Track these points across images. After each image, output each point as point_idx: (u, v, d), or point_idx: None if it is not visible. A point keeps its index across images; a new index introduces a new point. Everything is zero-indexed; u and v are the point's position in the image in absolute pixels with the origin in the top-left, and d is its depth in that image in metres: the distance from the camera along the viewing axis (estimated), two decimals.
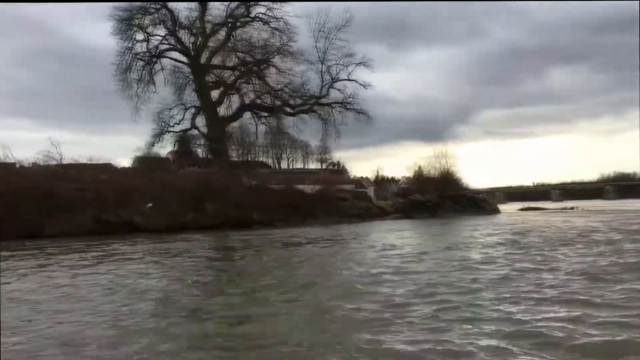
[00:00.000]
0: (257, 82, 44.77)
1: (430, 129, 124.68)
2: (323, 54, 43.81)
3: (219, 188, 40.63)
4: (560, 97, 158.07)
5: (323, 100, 44.59)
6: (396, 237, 25.61)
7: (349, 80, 43.88)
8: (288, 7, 41.95)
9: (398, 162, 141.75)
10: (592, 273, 11.55)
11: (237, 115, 45.15)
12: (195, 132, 45.51)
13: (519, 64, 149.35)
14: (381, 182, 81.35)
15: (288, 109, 44.95)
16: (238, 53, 43.67)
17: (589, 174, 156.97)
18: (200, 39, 43.62)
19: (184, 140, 48.59)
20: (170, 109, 44.45)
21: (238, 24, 42.90)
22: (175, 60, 44.21)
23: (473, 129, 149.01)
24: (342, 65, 43.75)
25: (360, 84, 43.63)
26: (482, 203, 51.72)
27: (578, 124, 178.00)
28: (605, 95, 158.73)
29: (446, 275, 12.05)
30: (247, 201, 39.72)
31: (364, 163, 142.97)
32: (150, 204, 36.46)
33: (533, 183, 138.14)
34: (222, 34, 43.67)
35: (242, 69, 44.27)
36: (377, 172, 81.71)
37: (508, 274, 11.94)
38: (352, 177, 69.62)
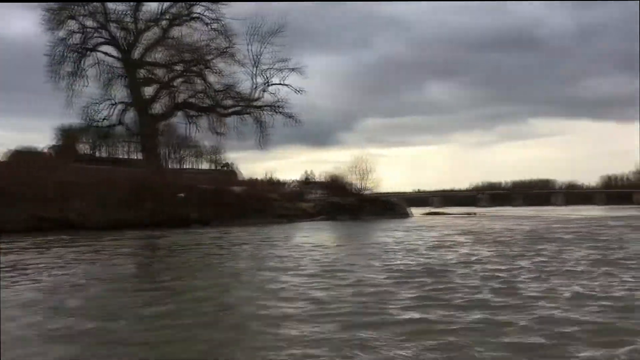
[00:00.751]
0: (192, 82, 44.80)
1: (316, 134, 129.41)
2: (257, 57, 44.72)
3: (157, 186, 40.59)
4: (437, 109, 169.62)
5: (256, 103, 45.49)
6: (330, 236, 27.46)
7: (282, 84, 45.09)
8: (225, 9, 42.55)
9: (287, 165, 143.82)
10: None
11: (169, 113, 44.88)
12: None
13: (400, 75, 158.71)
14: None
15: (221, 110, 45.35)
16: (173, 51, 43.41)
17: (462, 182, 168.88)
18: (133, 34, 42.96)
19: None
20: (98, 103, 43.39)
21: (176, 21, 42.76)
22: (106, 54, 43.27)
23: (355, 136, 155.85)
24: (277, 69, 44.90)
25: (293, 89, 45.06)
26: (395, 207, 55.10)
27: (453, 135, 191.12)
28: (477, 109, 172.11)
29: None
30: (184, 199, 39.90)
31: (251, 164, 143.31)
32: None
33: (413, 190, 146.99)
34: (157, 31, 43.31)
35: (178, 68, 44.17)
36: (267, 175, 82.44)
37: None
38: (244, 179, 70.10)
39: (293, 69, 44.55)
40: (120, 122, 44.82)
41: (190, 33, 43.23)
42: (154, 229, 34.72)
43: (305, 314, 8.39)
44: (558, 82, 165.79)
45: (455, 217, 55.64)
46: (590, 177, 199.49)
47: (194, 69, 43.97)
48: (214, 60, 43.54)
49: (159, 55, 43.91)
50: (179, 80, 44.64)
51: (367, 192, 54.53)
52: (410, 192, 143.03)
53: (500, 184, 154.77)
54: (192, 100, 45.30)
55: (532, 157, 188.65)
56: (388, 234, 28.89)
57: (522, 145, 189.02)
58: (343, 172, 54.41)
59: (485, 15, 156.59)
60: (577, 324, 7.50)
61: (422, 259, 15.83)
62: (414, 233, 29.28)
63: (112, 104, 43.78)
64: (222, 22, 42.37)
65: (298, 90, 44.91)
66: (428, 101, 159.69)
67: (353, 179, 54.43)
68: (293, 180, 54.97)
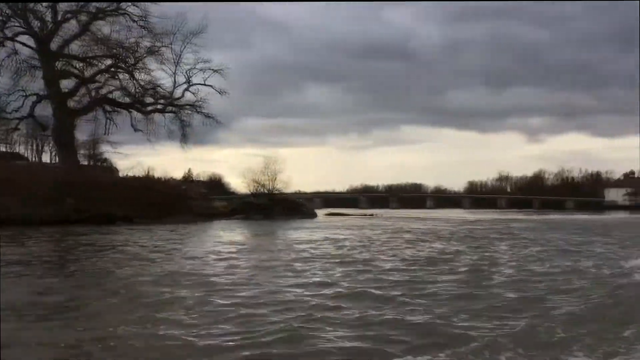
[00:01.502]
0: (116, 78, 44.10)
1: (195, 133, 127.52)
2: (178, 57, 44.92)
3: (80, 182, 39.85)
4: (316, 112, 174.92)
5: (178, 102, 45.61)
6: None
7: (205, 85, 45.64)
8: (153, 7, 42.44)
9: (164, 162, 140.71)
10: None
11: (87, 108, 43.77)
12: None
13: (280, 77, 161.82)
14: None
15: (141, 107, 45.02)
16: (96, 45, 42.50)
17: (340, 184, 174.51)
18: (50, 25, 41.60)
19: None
20: (8, 94, 41.49)
21: (100, 15, 41.93)
22: (23, 44, 41.50)
23: (234, 135, 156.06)
24: (199, 69, 45.36)
25: (217, 90, 45.72)
26: (303, 208, 57.56)
27: (330, 139, 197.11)
28: (354, 114, 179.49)
29: None
30: (107, 196, 39.43)
31: (126, 160, 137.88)
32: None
33: (293, 191, 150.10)
34: (77, 24, 42.20)
35: (101, 63, 43.32)
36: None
37: None
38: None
39: (215, 70, 45.27)
40: (31, 115, 43.04)
41: (114, 29, 42.52)
42: (78, 226, 34.41)
43: None
44: (427, 93, 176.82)
45: (357, 217, 59.06)
46: (454, 183, 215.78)
47: (122, 65, 43.30)
48: (139, 58, 43.17)
49: (80, 48, 42.77)
50: (105, 75, 43.69)
51: (276, 192, 56.12)
52: (289, 193, 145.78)
53: (376, 187, 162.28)
54: (112, 96, 44.58)
55: (403, 162, 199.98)
56: (331, 231, 31.20)
57: (395, 151, 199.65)
58: (255, 172, 55.69)
59: (362, 24, 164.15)
60: None
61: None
62: (360, 231, 31.83)
63: (24, 96, 41.99)
64: (148, 20, 42.13)
65: (220, 92, 45.69)
66: (307, 104, 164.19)
67: (264, 180, 55.97)
68: (171, 178, 54.43)
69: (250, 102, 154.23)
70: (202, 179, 76.05)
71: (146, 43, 43.36)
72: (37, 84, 41.83)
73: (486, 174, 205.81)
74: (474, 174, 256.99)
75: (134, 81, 44.01)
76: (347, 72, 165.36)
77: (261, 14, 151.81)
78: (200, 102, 45.72)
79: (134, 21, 41.73)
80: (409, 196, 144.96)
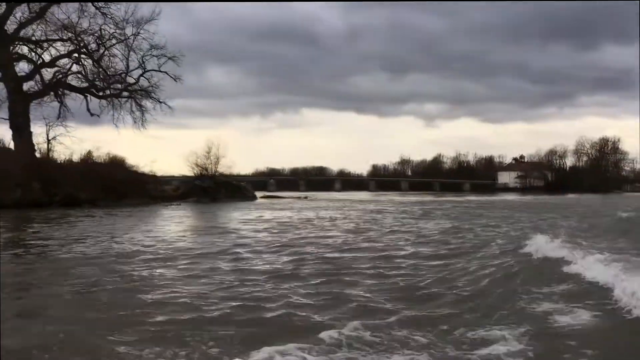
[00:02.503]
0: (79, 63, 44.29)
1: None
2: (131, 42, 45.51)
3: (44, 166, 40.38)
4: (218, 94, 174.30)
5: (132, 88, 46.40)
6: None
7: (159, 71, 46.54)
8: None
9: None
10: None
11: (42, 92, 43.60)
12: None
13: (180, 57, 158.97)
14: None
15: (96, 92, 45.47)
16: (54, 30, 42.46)
17: (245, 167, 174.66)
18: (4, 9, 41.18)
19: None
20: None
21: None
22: None
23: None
24: (153, 56, 46.14)
25: (172, 77, 46.79)
26: (244, 190, 60.09)
27: (232, 120, 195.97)
28: (257, 96, 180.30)
29: None
30: (71, 180, 40.14)
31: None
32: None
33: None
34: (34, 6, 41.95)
35: (59, 48, 43.36)
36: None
37: None
38: None
39: (170, 58, 46.36)
40: None
41: (68, 12, 42.51)
42: (47, 209, 35.26)
43: None
44: (329, 77, 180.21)
45: (295, 199, 62.28)
46: (358, 166, 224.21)
47: (81, 50, 43.50)
48: (99, 44, 43.59)
49: (38, 32, 42.55)
50: (62, 60, 43.73)
51: (218, 175, 58.13)
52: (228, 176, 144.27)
53: (282, 170, 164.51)
54: (67, 80, 44.67)
55: (307, 145, 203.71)
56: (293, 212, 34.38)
57: (299, 134, 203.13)
58: (199, 156, 57.48)
59: (267, 7, 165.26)
60: None
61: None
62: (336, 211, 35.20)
63: None
64: (109, 6, 42.67)
65: (175, 78, 46.87)
66: (208, 85, 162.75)
67: (207, 163, 57.87)
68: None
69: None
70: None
71: (104, 28, 43.79)
72: None
73: (387, 158, 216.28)
74: (376, 157, 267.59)
75: (93, 67, 44.37)
76: (248, 55, 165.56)
77: None
78: (152, 88, 46.70)
79: (97, 8, 42.13)
80: (317, 179, 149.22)
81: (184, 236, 19.58)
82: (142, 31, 45.09)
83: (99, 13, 43.09)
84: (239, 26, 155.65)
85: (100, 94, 45.85)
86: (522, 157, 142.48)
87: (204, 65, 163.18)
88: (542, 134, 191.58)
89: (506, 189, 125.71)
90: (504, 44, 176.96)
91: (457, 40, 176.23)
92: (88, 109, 45.56)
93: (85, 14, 42.95)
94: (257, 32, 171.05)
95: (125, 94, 46.44)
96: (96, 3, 42.85)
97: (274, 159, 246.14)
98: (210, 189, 54.43)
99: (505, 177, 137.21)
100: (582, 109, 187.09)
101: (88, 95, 45.54)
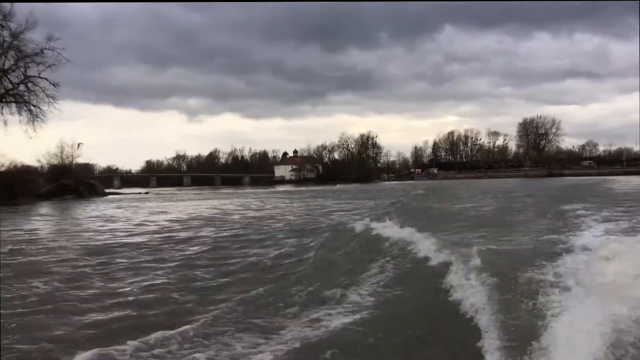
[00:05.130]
0: None
1: None
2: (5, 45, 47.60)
3: None
4: None
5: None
6: None
7: (40, 77, 49.12)
8: None
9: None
10: None
11: None
12: None
13: None
14: None
15: None
16: None
17: None
18: None
19: None
20: None
21: None
22: None
23: None
24: (33, 62, 48.22)
25: (52, 83, 48.99)
26: (96, 188, 65.43)
27: None
28: None
29: None
30: None
31: None
32: None
33: None
34: None
35: None
36: None
37: None
38: None
39: (50, 66, 48.19)
40: None
41: None
42: None
43: None
44: (83, 67, 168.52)
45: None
46: (127, 162, 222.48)
47: None
48: None
49: None
50: None
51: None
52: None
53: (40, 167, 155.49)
54: None
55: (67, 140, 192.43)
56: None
57: (47, 128, 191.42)
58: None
59: None
60: None
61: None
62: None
63: None
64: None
65: (54, 84, 49.79)
66: None
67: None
68: None
69: None
70: None
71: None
72: None
73: (151, 153, 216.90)
74: (142, 152, 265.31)
75: None
76: None
77: None
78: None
79: None
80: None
81: None
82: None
83: None
84: None
85: None
86: (295, 152, 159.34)
87: None
88: (300, 129, 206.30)
89: (283, 181, 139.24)
90: (260, 43, 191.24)
91: (216, 36, 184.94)
92: None
93: None
94: None
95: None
96: None
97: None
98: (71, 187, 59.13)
99: (281, 171, 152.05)
100: (331, 106, 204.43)
101: None
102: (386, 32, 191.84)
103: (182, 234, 18.46)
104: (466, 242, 11.25)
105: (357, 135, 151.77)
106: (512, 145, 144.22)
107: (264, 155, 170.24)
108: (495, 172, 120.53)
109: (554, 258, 7.99)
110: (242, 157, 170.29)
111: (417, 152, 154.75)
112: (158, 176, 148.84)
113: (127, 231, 20.21)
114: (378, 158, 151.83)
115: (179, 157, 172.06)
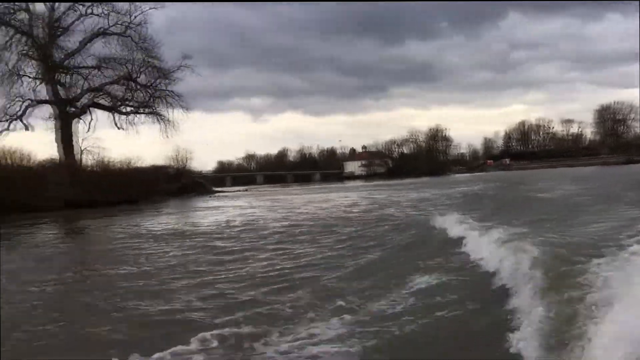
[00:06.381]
0: (127, 86, 51.93)
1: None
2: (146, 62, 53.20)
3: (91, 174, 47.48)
4: None
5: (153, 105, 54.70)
6: None
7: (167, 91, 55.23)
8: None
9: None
10: None
11: (81, 112, 50.47)
12: None
13: None
14: None
15: (123, 109, 53.34)
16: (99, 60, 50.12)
17: None
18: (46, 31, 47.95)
19: None
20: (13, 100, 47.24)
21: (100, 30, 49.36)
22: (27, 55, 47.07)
23: None
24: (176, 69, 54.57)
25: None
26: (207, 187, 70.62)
27: None
28: None
29: None
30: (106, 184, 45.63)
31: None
32: None
33: None
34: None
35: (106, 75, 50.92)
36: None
37: None
38: None
39: (189, 67, 55.11)
40: (20, 118, 48.50)
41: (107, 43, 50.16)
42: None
43: None
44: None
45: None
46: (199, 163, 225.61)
47: (123, 78, 50.85)
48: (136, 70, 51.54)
49: (87, 59, 49.80)
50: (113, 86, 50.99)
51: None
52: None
53: None
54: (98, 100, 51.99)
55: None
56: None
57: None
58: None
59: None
60: None
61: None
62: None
63: (22, 101, 47.73)
64: (142, 36, 50.83)
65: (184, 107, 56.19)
66: None
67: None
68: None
69: None
70: None
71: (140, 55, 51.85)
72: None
73: (220, 154, 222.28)
74: (208, 153, 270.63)
75: (132, 89, 52.33)
76: None
77: None
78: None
79: (134, 42, 50.23)
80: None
81: None
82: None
83: (140, 47, 51.25)
84: None
85: (124, 110, 53.71)
86: (364, 147, 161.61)
87: None
88: (362, 124, 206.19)
89: (353, 176, 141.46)
90: (317, 40, 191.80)
91: (273, 36, 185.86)
92: (115, 124, 53.31)
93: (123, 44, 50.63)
94: None
95: (147, 110, 54.48)
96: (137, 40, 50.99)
97: None
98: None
99: (351, 167, 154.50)
100: (394, 99, 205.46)
101: (115, 112, 53.21)
102: (446, 22, 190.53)
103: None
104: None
105: (424, 129, 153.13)
106: (587, 133, 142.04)
107: (331, 151, 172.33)
108: (572, 161, 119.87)
109: None
110: (310, 154, 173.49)
111: (487, 143, 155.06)
112: (232, 176, 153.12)
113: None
114: (448, 151, 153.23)
115: (249, 157, 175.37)
